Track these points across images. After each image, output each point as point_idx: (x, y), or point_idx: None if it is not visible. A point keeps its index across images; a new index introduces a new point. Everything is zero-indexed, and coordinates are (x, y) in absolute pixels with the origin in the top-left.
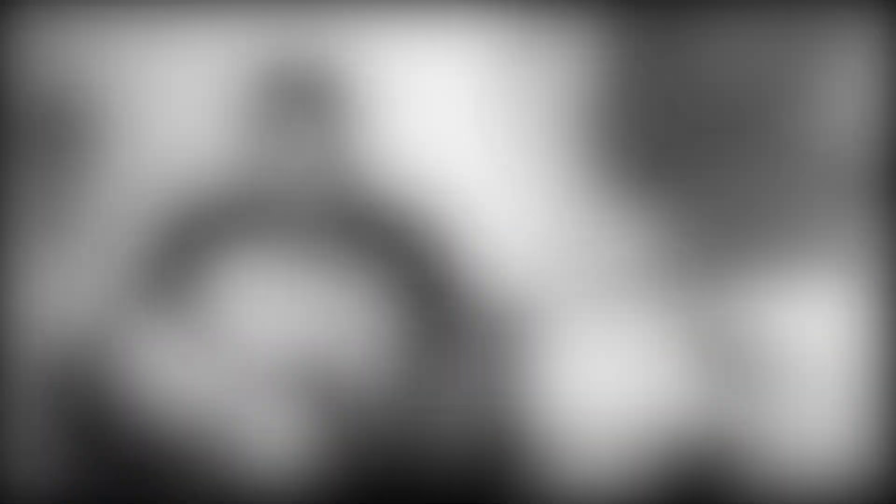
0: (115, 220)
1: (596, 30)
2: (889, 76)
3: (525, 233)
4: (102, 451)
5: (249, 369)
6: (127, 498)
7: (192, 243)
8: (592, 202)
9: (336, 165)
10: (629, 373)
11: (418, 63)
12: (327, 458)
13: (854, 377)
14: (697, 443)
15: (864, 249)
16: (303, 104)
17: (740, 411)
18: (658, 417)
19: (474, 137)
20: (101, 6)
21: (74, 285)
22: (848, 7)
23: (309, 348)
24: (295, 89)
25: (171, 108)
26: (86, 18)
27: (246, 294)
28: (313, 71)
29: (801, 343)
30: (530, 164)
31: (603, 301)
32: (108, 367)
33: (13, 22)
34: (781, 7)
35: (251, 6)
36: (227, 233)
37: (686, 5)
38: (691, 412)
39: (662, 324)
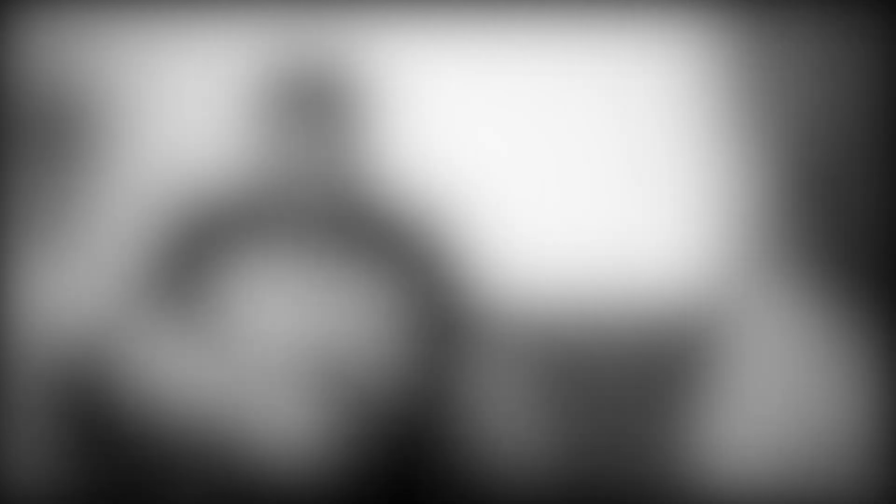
0: (125, 220)
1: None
2: None
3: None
4: (112, 450)
5: (259, 369)
6: (137, 497)
7: (202, 243)
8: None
9: (349, 167)
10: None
11: (433, 65)
12: (337, 457)
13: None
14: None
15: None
16: (315, 105)
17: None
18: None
19: (490, 141)
20: (108, 5)
21: (83, 285)
22: None
23: (320, 348)
24: (307, 90)
25: (180, 108)
26: (92, 17)
27: (256, 294)
28: (326, 71)
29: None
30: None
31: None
32: (118, 367)
33: (18, 21)
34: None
35: (263, 5)
36: (238, 233)
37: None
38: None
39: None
